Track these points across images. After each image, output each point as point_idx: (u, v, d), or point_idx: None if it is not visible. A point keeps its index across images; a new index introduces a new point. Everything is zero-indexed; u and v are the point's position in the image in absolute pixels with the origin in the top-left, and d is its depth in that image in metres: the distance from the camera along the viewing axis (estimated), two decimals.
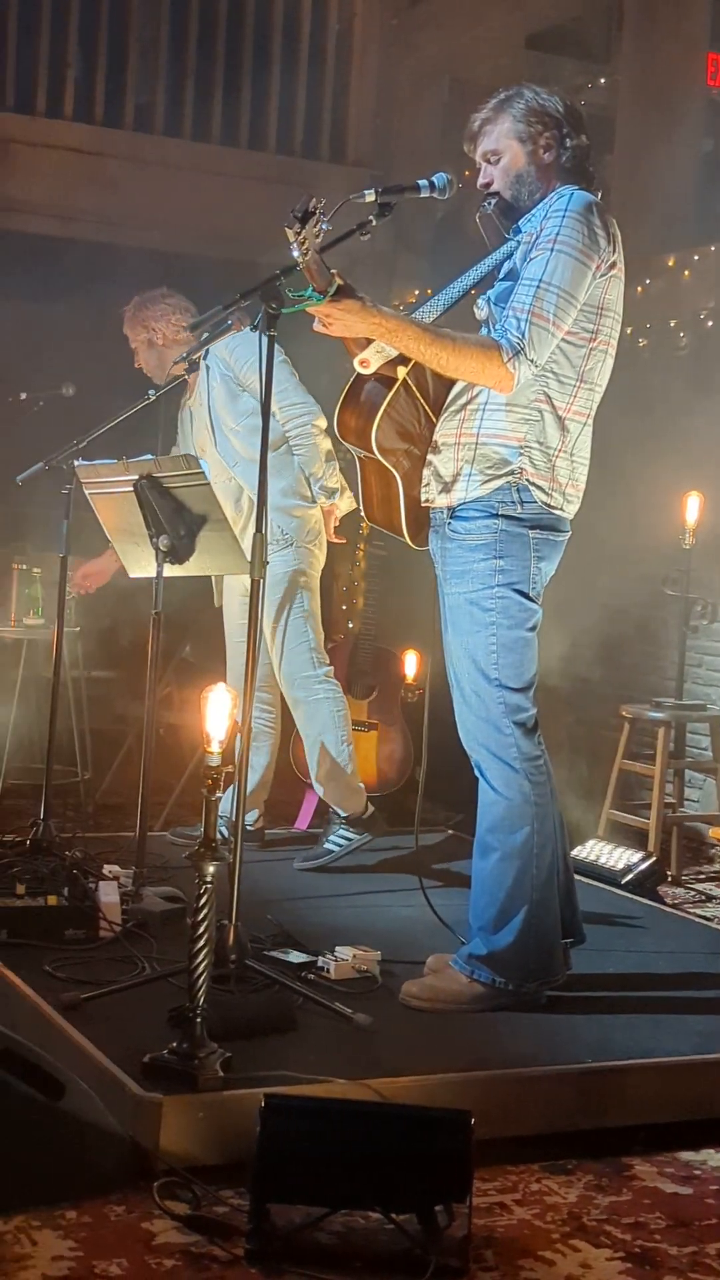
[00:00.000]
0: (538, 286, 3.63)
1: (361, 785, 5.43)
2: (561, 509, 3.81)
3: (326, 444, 5.29)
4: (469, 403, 3.80)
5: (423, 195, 3.82)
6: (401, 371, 3.81)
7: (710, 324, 6.99)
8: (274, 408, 5.07)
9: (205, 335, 4.75)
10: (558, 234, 3.65)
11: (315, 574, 5.40)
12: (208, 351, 5.15)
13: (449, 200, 3.89)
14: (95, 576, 5.70)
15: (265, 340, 3.83)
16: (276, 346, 5.21)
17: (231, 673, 5.46)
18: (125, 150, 8.38)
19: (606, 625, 6.98)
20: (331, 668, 5.44)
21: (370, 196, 3.74)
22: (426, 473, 3.87)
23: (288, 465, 5.29)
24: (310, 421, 5.27)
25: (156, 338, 5.42)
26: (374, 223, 3.75)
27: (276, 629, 5.27)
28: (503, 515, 3.76)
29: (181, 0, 8.57)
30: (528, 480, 3.74)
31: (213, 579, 5.41)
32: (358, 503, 4.11)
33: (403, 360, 3.79)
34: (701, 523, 6.08)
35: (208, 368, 5.31)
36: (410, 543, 3.99)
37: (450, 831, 5.88)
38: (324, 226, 3.51)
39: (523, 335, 3.62)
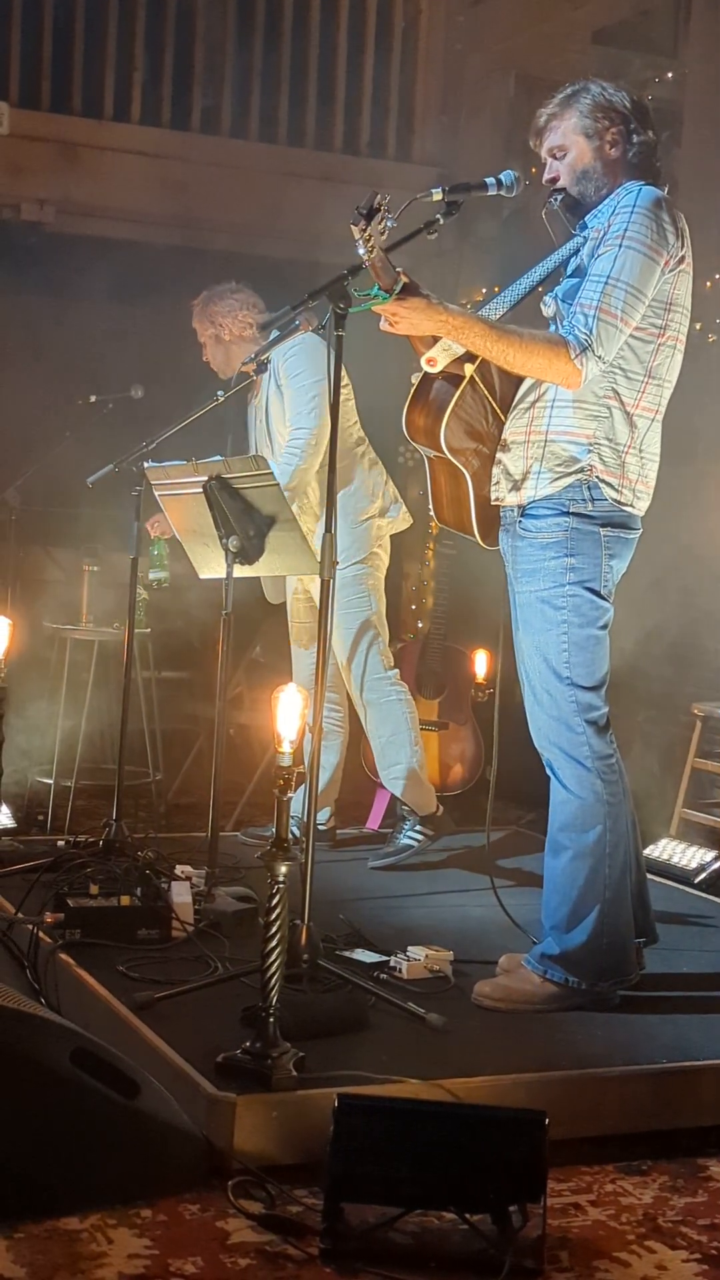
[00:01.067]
0: (605, 282, 3.62)
1: (430, 785, 5.43)
2: (632, 505, 3.79)
3: (307, 467, 5.16)
4: (538, 400, 3.79)
5: (490, 193, 3.82)
6: (469, 369, 3.81)
7: None
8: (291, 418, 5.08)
9: (274, 335, 4.76)
10: (625, 230, 3.63)
11: (381, 576, 5.40)
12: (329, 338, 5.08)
13: (516, 197, 3.89)
14: (162, 523, 5.61)
15: (334, 339, 3.82)
16: (306, 360, 5.20)
17: (298, 673, 5.46)
18: (192, 153, 8.40)
19: (677, 622, 6.92)
20: (398, 670, 5.44)
21: (437, 195, 3.74)
22: (496, 471, 3.87)
23: (352, 471, 5.28)
24: (303, 440, 5.14)
25: (223, 333, 5.39)
26: (441, 221, 3.75)
27: (347, 633, 5.26)
28: (574, 513, 3.74)
29: (248, 2, 8.59)
30: (598, 477, 3.73)
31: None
32: (426, 504, 4.10)
33: (470, 358, 3.78)
34: None
35: (273, 369, 5.30)
36: (481, 543, 3.98)
37: (514, 828, 5.87)
38: (389, 224, 3.51)
39: (590, 331, 3.61)
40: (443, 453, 3.83)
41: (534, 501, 3.78)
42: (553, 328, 3.77)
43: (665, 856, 5.40)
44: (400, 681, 5.38)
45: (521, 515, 3.82)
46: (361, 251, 3.52)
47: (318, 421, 5.16)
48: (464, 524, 3.95)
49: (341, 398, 5.23)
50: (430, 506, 4.06)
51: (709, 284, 7.03)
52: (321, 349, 5.14)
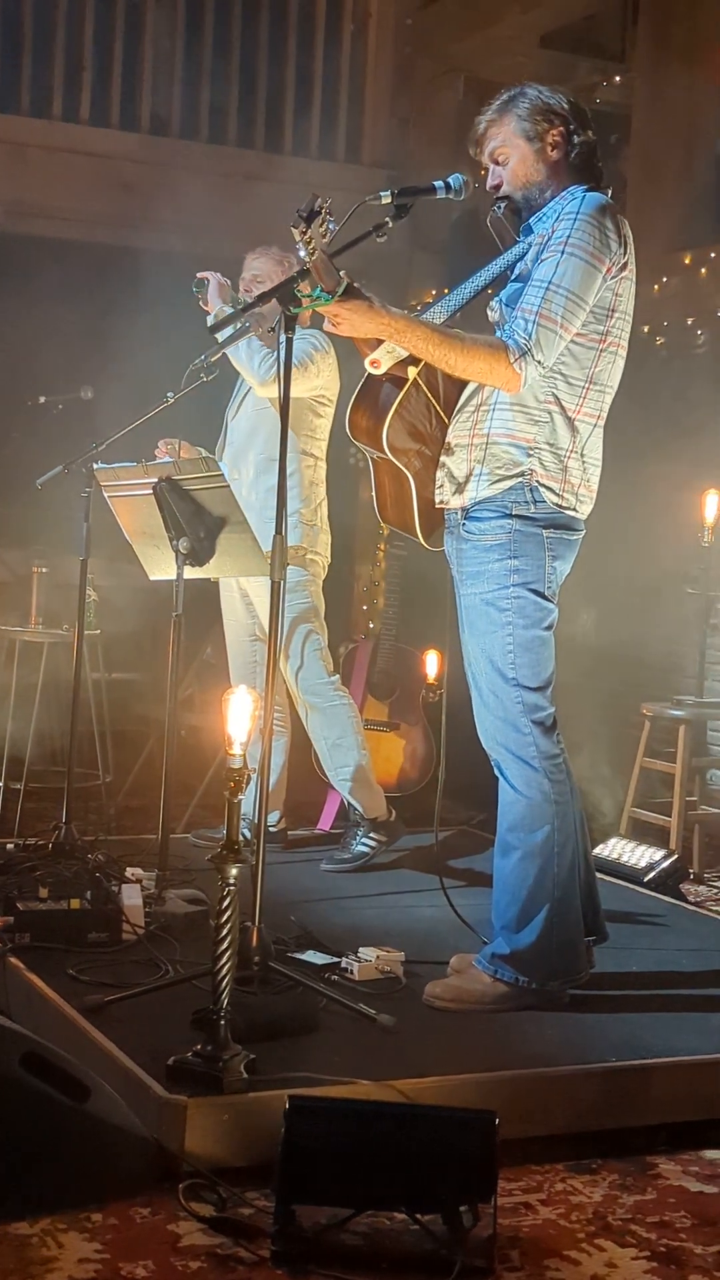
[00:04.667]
0: (547, 288, 3.63)
1: (379, 788, 5.44)
2: (575, 510, 3.81)
3: (269, 378, 5.02)
4: (481, 403, 3.80)
5: (439, 197, 3.82)
6: (412, 371, 3.82)
7: None
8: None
9: (226, 336, 4.76)
10: (568, 237, 3.64)
11: (319, 583, 5.39)
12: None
13: (465, 199, 3.89)
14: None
15: (283, 341, 3.81)
16: (322, 342, 5.17)
17: (235, 673, 5.46)
18: (141, 153, 8.39)
19: (627, 623, 6.96)
20: (339, 674, 5.44)
21: (386, 198, 3.74)
22: (440, 474, 3.87)
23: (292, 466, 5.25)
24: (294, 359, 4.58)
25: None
26: (390, 224, 3.75)
27: (292, 637, 5.25)
28: (516, 515, 3.76)
29: (196, 3, 8.58)
30: (538, 481, 3.74)
31: None
32: (372, 504, 4.09)
33: (414, 360, 3.79)
34: None
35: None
36: (424, 543, 3.99)
37: (463, 828, 5.88)
38: (331, 226, 3.51)
39: (530, 336, 3.62)
40: (385, 453, 3.84)
41: (476, 503, 3.79)
42: (497, 332, 3.79)
43: (615, 855, 5.43)
44: (342, 687, 5.39)
45: (465, 518, 3.83)
46: (303, 253, 3.52)
47: (304, 363, 5.10)
48: (407, 524, 3.96)
49: (326, 406, 5.22)
50: (375, 507, 4.07)
51: (656, 287, 7.09)
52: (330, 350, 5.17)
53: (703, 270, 7.13)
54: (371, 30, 9.06)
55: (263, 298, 4.00)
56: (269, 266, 5.34)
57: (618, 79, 8.46)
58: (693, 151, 7.77)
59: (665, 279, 7.21)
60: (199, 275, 5.22)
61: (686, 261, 7.22)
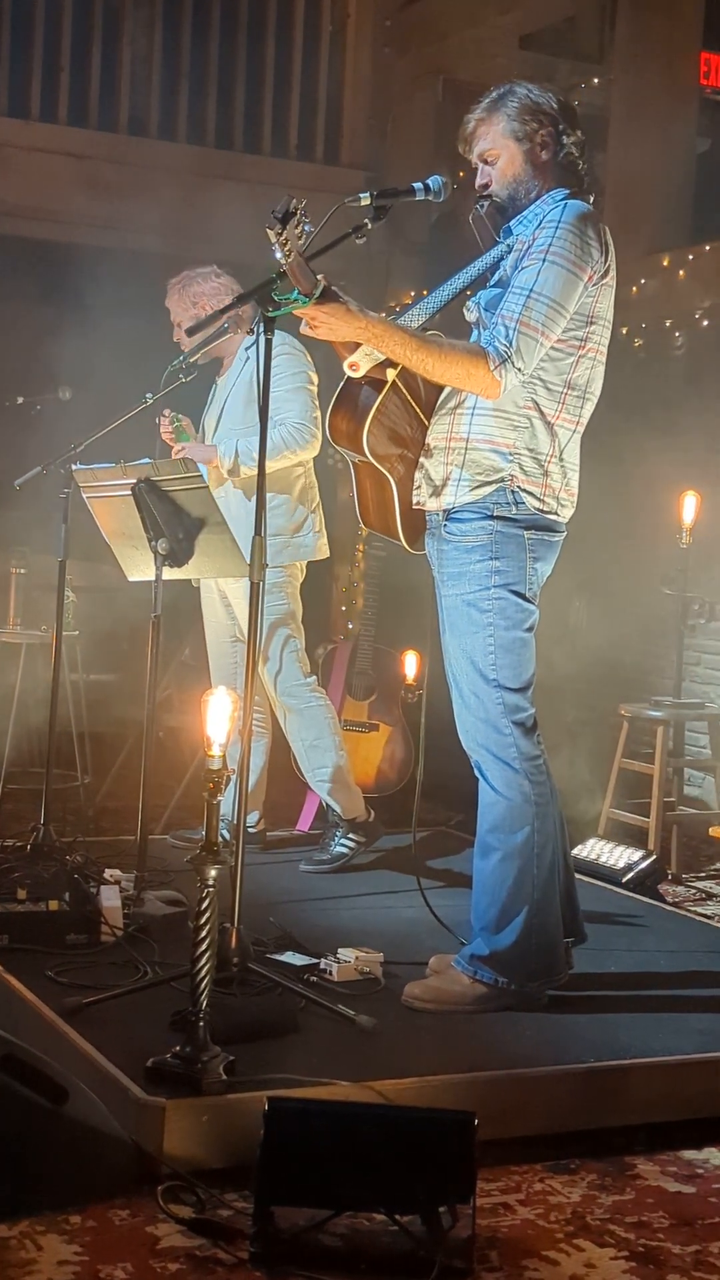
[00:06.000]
0: (528, 295, 3.63)
1: (357, 789, 5.44)
2: (556, 514, 3.81)
3: (282, 463, 5.12)
4: (458, 406, 3.80)
5: (418, 199, 3.82)
6: (391, 374, 3.81)
7: (705, 323, 6.99)
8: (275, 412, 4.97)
9: (204, 338, 4.75)
10: (550, 245, 3.64)
11: (298, 585, 5.38)
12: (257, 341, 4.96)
13: (445, 200, 3.89)
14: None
15: (262, 341, 3.81)
16: (308, 373, 5.18)
17: (216, 674, 5.45)
18: (119, 154, 8.39)
19: (605, 625, 6.98)
20: (316, 675, 5.44)
21: (365, 200, 3.74)
22: (418, 475, 3.87)
23: (283, 483, 5.25)
24: (297, 441, 5.10)
25: (204, 315, 5.15)
26: (369, 226, 3.75)
27: (270, 640, 5.24)
28: (498, 516, 3.76)
29: (175, 3, 8.58)
30: (519, 486, 3.74)
31: None
32: (354, 509, 4.09)
33: (392, 363, 3.78)
34: (698, 522, 6.09)
35: (248, 358, 5.22)
36: (407, 547, 3.98)
37: (441, 829, 5.88)
38: (307, 228, 3.50)
39: (510, 343, 3.62)
40: (366, 457, 3.84)
41: (455, 507, 3.79)
42: (475, 333, 3.78)
43: (593, 856, 5.44)
44: (319, 689, 5.38)
45: (446, 519, 3.83)
46: (279, 256, 3.51)
47: (305, 420, 5.14)
48: (389, 529, 3.95)
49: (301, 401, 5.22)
50: (356, 510, 4.06)
51: (634, 289, 7.10)
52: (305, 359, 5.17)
53: (681, 272, 7.15)
54: (350, 31, 9.06)
55: (241, 299, 4.00)
56: (175, 305, 5.34)
57: (596, 81, 8.49)
58: (671, 153, 7.80)
59: (643, 281, 7.23)
60: (174, 453, 5.19)
61: (665, 264, 7.24)
